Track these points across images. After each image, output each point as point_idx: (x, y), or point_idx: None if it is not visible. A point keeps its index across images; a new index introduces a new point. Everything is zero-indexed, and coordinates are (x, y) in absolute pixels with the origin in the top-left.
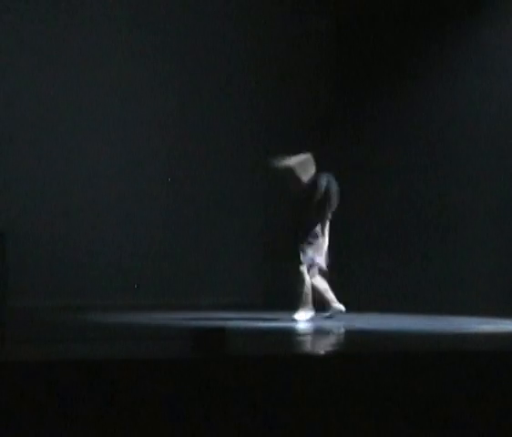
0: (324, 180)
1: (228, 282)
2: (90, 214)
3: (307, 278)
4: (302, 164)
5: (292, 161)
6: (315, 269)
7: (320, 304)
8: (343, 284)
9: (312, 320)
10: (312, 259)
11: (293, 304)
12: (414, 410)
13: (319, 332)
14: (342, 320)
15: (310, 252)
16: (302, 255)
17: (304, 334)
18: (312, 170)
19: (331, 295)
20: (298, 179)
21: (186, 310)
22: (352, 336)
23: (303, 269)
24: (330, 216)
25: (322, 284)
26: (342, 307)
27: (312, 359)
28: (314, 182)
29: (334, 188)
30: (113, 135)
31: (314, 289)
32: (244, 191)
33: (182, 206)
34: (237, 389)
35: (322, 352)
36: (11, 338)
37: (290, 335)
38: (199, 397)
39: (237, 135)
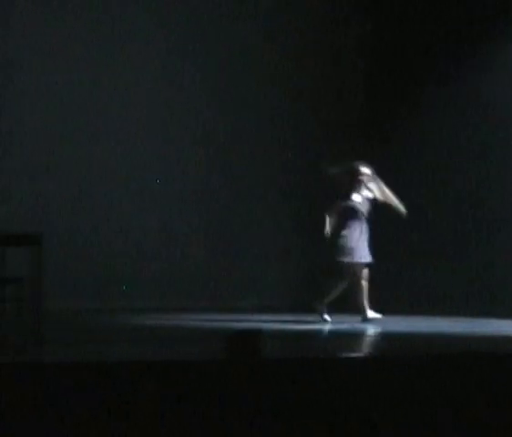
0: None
1: (263, 284)
2: (126, 217)
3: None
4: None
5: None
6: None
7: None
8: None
9: (344, 322)
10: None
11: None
12: (451, 412)
13: (353, 335)
14: (375, 322)
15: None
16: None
17: (338, 337)
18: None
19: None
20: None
21: (222, 313)
22: (386, 338)
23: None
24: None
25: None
26: (378, 315)
27: (346, 361)
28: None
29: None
30: (145, 138)
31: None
32: (276, 194)
33: (216, 209)
34: (272, 391)
35: (355, 355)
36: (48, 339)
37: (323, 338)
38: (235, 399)
39: (268, 137)
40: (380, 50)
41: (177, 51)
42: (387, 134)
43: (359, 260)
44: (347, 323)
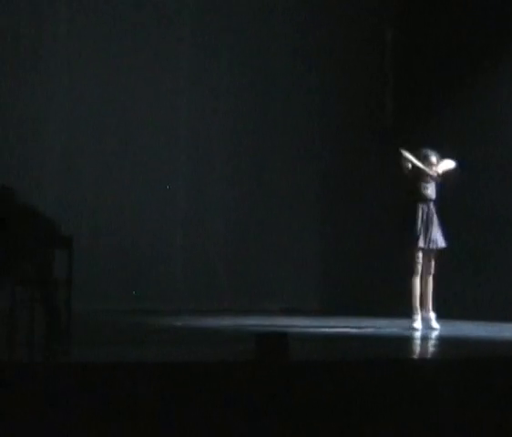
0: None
1: (291, 286)
2: (150, 220)
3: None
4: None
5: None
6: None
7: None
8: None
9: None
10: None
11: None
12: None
13: (377, 338)
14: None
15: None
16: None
17: (364, 340)
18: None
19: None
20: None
21: (249, 315)
22: (423, 342)
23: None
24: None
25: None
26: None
27: (373, 364)
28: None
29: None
30: (177, 140)
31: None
32: (305, 200)
33: (243, 210)
34: (298, 393)
35: (385, 358)
36: (77, 340)
37: (351, 341)
38: (262, 400)
39: (294, 140)
40: (407, 52)
41: (205, 53)
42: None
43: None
44: (373, 327)
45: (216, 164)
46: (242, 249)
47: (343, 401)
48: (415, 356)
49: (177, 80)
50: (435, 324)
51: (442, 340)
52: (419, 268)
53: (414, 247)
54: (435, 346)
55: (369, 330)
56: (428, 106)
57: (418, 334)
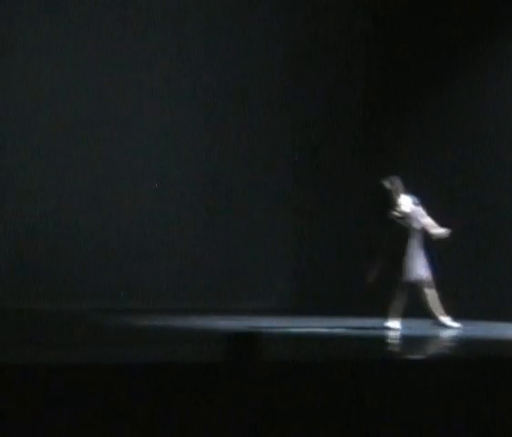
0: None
1: (263, 287)
2: (128, 220)
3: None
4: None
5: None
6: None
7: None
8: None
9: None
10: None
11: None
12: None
13: (351, 339)
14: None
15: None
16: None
17: (336, 340)
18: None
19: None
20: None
21: (223, 315)
22: (386, 342)
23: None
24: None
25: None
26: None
27: (345, 364)
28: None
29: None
30: (145, 139)
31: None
32: (277, 198)
33: (219, 212)
34: (270, 393)
35: (355, 358)
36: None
37: (323, 341)
38: (233, 401)
39: (273, 142)
40: (382, 54)
41: (180, 53)
42: (390, 139)
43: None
44: (347, 327)
45: (191, 164)
46: (214, 249)
47: (314, 402)
48: (389, 356)
49: (149, 78)
50: (455, 323)
51: (420, 340)
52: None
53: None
54: (406, 346)
55: (341, 330)
56: (399, 107)
57: (394, 334)
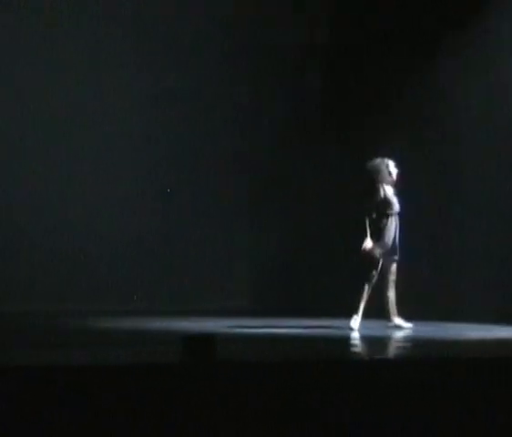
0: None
1: (219, 288)
2: (83, 222)
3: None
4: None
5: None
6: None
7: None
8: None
9: (303, 326)
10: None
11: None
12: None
13: (308, 338)
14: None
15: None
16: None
17: (292, 340)
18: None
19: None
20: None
21: (177, 316)
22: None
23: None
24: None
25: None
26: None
27: (299, 365)
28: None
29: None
30: (109, 138)
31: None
32: (233, 197)
33: (172, 211)
34: (226, 395)
35: (308, 358)
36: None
37: (279, 341)
38: (189, 402)
39: (229, 138)
40: (335, 53)
41: (139, 57)
42: (343, 129)
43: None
44: (305, 328)
45: (143, 165)
46: (169, 250)
47: (270, 402)
48: (345, 357)
49: (110, 80)
50: (407, 324)
51: (377, 340)
52: (376, 276)
53: (383, 257)
54: (362, 346)
55: (297, 331)
56: (357, 104)
57: (352, 334)
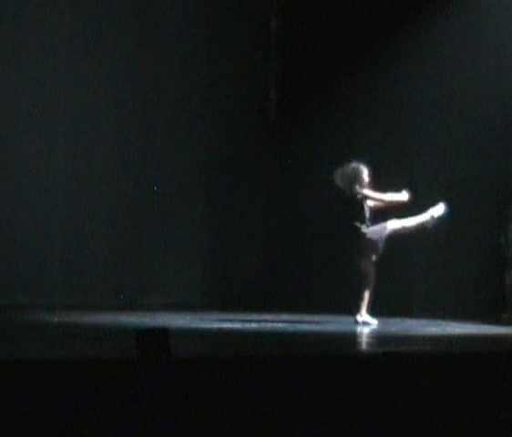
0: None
1: (174, 282)
2: (37, 214)
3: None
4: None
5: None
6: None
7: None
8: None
9: (255, 320)
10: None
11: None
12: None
13: (262, 334)
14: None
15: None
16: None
17: (248, 335)
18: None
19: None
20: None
21: (130, 310)
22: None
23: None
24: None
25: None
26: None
27: (255, 360)
28: None
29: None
30: (56, 133)
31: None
32: (189, 193)
33: (126, 205)
34: (179, 390)
35: (264, 354)
36: None
37: (233, 336)
38: (142, 398)
39: (182, 134)
40: (291, 43)
41: (85, 44)
42: (300, 126)
43: None
44: (257, 322)
45: (97, 156)
46: (124, 244)
47: (225, 398)
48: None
49: (55, 73)
50: (373, 321)
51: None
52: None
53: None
54: (320, 342)
55: (253, 326)
56: (312, 98)
57: (308, 329)
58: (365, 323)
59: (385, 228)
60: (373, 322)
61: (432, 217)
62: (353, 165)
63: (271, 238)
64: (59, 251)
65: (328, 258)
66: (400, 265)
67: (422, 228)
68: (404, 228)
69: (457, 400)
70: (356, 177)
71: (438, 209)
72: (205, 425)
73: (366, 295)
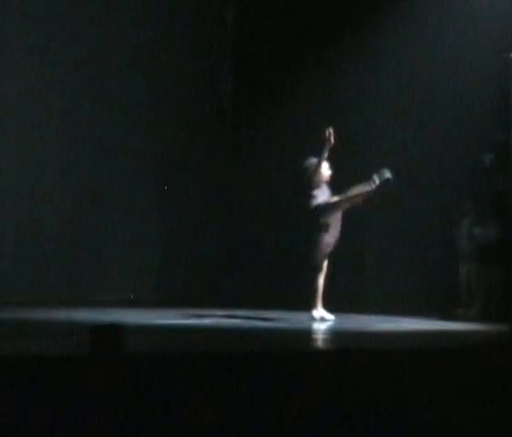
0: None
1: (128, 279)
2: None
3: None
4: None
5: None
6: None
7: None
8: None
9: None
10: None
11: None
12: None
13: (215, 329)
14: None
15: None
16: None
17: (200, 331)
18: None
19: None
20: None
21: (85, 306)
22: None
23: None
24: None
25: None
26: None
27: (209, 356)
28: None
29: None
30: (8, 129)
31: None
32: (142, 187)
33: (81, 200)
34: (133, 386)
35: (218, 349)
36: None
37: (186, 332)
38: (96, 394)
39: (136, 125)
40: (247, 36)
41: (41, 47)
42: (255, 123)
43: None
44: (211, 318)
45: (49, 151)
46: (77, 240)
47: (178, 394)
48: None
49: (7, 70)
50: (330, 316)
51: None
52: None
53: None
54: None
55: (206, 321)
56: (268, 90)
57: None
58: (322, 319)
59: (330, 202)
60: (330, 317)
61: (374, 181)
62: (311, 161)
63: (226, 234)
64: (11, 247)
65: (282, 253)
66: (353, 261)
67: (370, 196)
68: (350, 199)
69: (413, 396)
70: (314, 173)
71: (382, 174)
72: (157, 421)
73: (320, 287)
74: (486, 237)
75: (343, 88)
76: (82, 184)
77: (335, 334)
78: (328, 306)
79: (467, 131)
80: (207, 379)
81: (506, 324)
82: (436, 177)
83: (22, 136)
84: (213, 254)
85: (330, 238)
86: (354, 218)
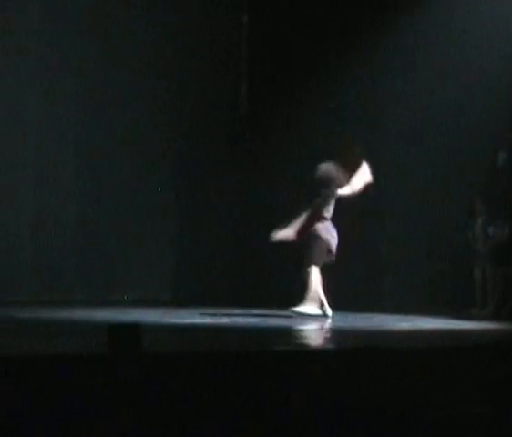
0: None
1: (144, 279)
2: (6, 211)
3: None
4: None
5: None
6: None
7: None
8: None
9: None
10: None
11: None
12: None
13: (232, 328)
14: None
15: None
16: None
17: (219, 331)
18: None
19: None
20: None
21: (102, 306)
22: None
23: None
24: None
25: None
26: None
27: (226, 356)
28: None
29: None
30: (25, 130)
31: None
32: (159, 184)
33: (96, 201)
34: (151, 385)
35: (234, 349)
36: None
37: (204, 331)
38: (114, 393)
39: (152, 129)
40: (262, 39)
41: (52, 42)
42: (271, 126)
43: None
44: (228, 317)
45: (66, 153)
46: (94, 239)
47: (197, 393)
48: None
49: (24, 71)
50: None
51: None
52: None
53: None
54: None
55: (223, 321)
56: (283, 93)
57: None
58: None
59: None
60: (329, 313)
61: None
62: (328, 166)
63: (242, 234)
64: (29, 247)
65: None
66: (369, 261)
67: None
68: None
69: (428, 394)
70: (333, 178)
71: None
72: (177, 420)
73: (315, 284)
74: (500, 236)
75: (360, 90)
76: (99, 184)
77: (351, 333)
78: (345, 305)
79: (482, 130)
80: (224, 378)
81: None
82: (453, 179)
83: (39, 136)
84: (230, 253)
85: (329, 236)
86: (370, 220)
